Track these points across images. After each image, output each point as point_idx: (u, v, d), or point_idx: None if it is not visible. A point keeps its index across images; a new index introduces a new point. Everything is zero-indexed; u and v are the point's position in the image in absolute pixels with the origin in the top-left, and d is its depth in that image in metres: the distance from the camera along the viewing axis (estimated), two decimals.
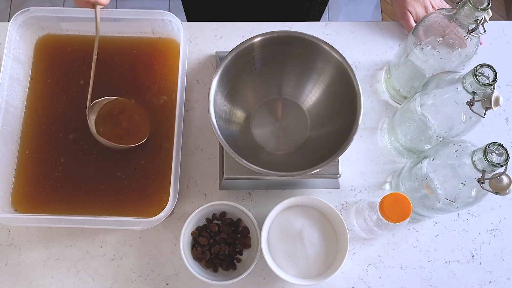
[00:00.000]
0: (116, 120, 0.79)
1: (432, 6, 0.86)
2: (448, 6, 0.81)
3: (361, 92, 0.69)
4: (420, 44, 0.70)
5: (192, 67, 0.85)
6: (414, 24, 0.85)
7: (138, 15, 0.79)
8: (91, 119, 0.77)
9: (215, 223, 0.76)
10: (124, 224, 0.71)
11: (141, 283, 0.76)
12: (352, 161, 0.81)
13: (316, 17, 1.15)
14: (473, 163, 0.58)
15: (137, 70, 0.82)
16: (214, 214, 0.77)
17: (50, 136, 0.79)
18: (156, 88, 0.81)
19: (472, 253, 0.78)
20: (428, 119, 0.67)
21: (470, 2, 0.61)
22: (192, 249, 0.75)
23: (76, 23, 0.82)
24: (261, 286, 0.76)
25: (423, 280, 0.77)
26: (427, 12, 0.85)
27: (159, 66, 0.82)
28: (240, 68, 0.74)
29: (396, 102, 0.85)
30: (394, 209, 0.66)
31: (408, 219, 0.67)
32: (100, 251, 0.77)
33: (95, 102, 0.77)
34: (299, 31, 0.72)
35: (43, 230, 0.77)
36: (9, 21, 0.78)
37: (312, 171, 0.66)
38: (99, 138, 0.76)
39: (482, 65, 0.59)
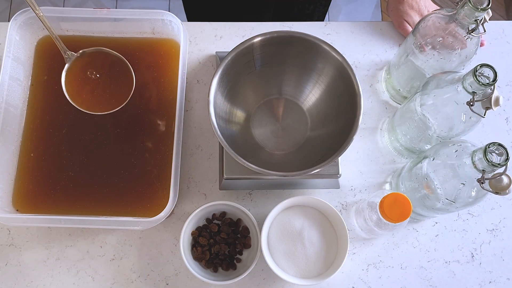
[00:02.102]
0: (93, 78, 0.73)
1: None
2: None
3: (361, 92, 0.69)
4: (420, 44, 0.70)
5: (192, 67, 0.85)
6: None
7: (138, 15, 0.79)
8: (64, 76, 0.72)
9: (215, 223, 0.76)
10: (124, 224, 0.71)
11: (141, 283, 0.76)
12: (352, 161, 0.81)
13: (320, 19, 1.15)
14: (473, 163, 0.58)
15: (137, 70, 0.82)
16: (214, 214, 0.77)
17: (53, 137, 0.79)
18: (156, 88, 0.81)
19: (472, 253, 0.78)
20: (428, 119, 0.67)
21: (470, 2, 0.61)
22: (192, 249, 0.75)
23: (76, 23, 0.82)
24: (261, 286, 0.76)
25: (423, 280, 0.77)
26: None
27: (159, 66, 0.82)
28: (240, 68, 0.74)
29: (396, 102, 0.85)
30: (394, 209, 0.66)
31: (408, 219, 0.67)
32: (100, 251, 0.77)
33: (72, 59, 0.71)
34: (299, 31, 0.72)
35: (43, 230, 0.77)
36: (9, 21, 0.78)
37: (312, 171, 0.66)
38: (73, 102, 0.71)
39: (482, 65, 0.59)
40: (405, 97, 0.82)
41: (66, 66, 0.72)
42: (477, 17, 0.62)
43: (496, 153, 0.57)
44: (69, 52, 0.72)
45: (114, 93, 0.74)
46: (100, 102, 0.73)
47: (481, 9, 0.61)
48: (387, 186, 0.81)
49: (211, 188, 0.80)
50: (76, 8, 0.79)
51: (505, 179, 0.57)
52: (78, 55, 0.73)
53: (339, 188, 0.80)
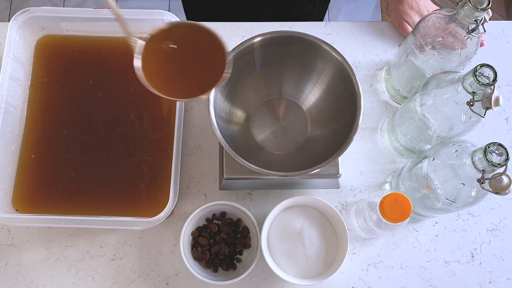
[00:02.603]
0: (174, 61, 0.60)
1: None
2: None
3: (361, 92, 0.69)
4: (420, 44, 0.70)
5: None
6: None
7: (138, 15, 0.79)
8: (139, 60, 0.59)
9: (215, 223, 0.76)
10: (124, 224, 0.71)
11: (141, 283, 0.76)
12: (352, 161, 0.81)
13: (320, 17, 1.15)
14: (473, 163, 0.58)
15: None
16: (214, 214, 0.77)
17: (53, 138, 0.79)
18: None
19: (472, 253, 0.78)
20: (428, 119, 0.67)
21: (470, 2, 0.61)
22: (192, 249, 0.75)
23: (76, 23, 0.82)
24: (261, 286, 0.76)
25: (423, 280, 0.77)
26: None
27: None
28: (240, 68, 0.74)
29: (396, 102, 0.85)
30: (394, 209, 0.66)
31: (408, 219, 0.67)
32: (100, 251, 0.77)
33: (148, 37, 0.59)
34: (299, 31, 0.72)
35: (43, 230, 0.77)
36: (9, 21, 0.78)
37: (312, 171, 0.66)
38: (150, 87, 0.59)
39: (482, 65, 0.59)
40: (405, 97, 0.82)
41: (137, 55, 0.60)
42: (477, 17, 0.62)
43: (496, 153, 0.57)
44: (134, 38, 0.60)
45: (205, 72, 0.60)
46: (189, 85, 0.61)
47: (481, 9, 0.61)
48: (387, 186, 0.81)
49: (211, 188, 0.80)
50: (76, 8, 0.79)
51: (505, 179, 0.57)
52: (147, 40, 0.61)
53: (339, 188, 0.80)
